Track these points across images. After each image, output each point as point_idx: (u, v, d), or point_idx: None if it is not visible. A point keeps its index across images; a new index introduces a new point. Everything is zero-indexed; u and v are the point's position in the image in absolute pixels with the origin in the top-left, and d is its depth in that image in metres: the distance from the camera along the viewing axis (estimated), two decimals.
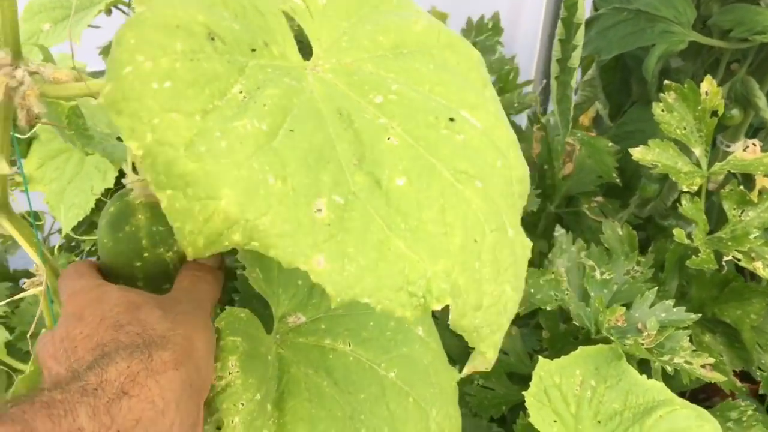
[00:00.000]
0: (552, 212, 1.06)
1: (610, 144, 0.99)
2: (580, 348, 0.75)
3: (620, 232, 0.94)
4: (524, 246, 0.45)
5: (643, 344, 0.72)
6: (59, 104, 0.66)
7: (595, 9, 1.08)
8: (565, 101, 0.84)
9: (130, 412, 0.34)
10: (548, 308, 0.77)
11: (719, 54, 1.07)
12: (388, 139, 0.39)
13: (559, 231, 0.89)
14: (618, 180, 1.02)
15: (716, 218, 0.99)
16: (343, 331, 0.57)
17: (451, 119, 0.43)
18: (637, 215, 1.08)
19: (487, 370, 0.41)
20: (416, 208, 0.38)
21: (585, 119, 1.30)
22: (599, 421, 0.73)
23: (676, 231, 0.82)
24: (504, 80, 1.25)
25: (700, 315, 0.77)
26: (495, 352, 0.41)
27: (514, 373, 0.87)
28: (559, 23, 0.82)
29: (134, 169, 0.51)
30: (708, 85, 0.85)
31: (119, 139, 0.72)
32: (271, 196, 0.34)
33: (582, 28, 0.82)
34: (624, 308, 0.74)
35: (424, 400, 0.55)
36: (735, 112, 1.04)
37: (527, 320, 0.95)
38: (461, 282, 0.38)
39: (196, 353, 0.40)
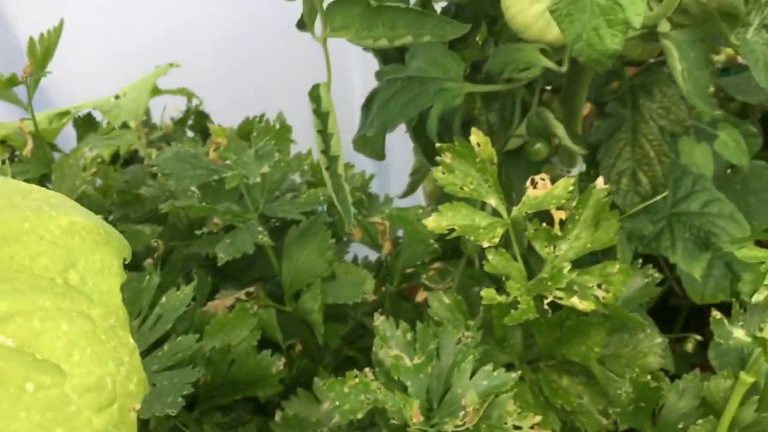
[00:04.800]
0: (393, 292, 1.03)
1: (421, 210, 0.97)
2: None
3: (447, 301, 0.91)
4: None
5: (462, 425, 0.67)
6: None
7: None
8: (340, 190, 0.82)
9: None
10: (359, 416, 0.71)
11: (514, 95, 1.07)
12: None
13: (378, 319, 0.84)
14: (438, 246, 0.99)
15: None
16: None
17: None
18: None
19: None
20: None
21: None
22: None
23: (483, 292, 0.79)
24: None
25: (519, 373, 0.73)
26: None
27: None
28: (312, 116, 0.81)
29: None
30: (476, 136, 0.83)
31: None
32: None
33: (333, 116, 0.81)
34: (417, 401, 0.69)
35: None
36: (539, 146, 1.03)
37: None
38: None
39: None
